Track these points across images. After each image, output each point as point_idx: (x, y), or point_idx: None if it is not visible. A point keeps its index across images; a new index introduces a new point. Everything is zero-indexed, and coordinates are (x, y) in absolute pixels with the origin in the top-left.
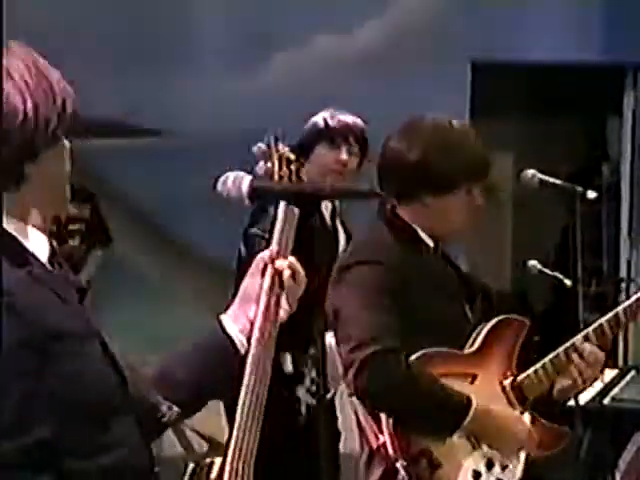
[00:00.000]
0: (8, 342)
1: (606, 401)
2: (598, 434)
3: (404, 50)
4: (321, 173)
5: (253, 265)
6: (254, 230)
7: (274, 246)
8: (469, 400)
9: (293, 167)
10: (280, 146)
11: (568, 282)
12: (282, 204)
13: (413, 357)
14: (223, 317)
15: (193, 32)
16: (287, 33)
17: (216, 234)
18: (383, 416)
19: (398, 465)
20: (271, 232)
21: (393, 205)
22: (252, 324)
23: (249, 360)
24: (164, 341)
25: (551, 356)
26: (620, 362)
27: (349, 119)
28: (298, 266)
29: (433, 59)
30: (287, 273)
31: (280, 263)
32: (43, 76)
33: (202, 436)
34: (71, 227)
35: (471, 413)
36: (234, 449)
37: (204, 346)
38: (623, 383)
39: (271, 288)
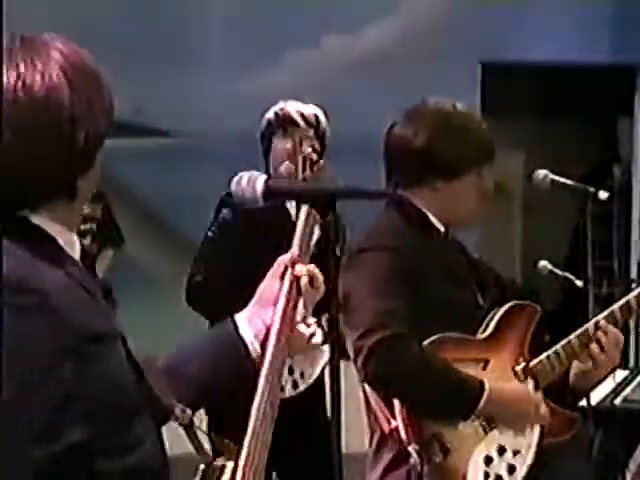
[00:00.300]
0: (45, 344)
1: (617, 402)
2: (609, 435)
3: (413, 50)
4: (280, 163)
5: (273, 268)
6: (209, 233)
7: (294, 250)
8: (482, 384)
9: (316, 168)
10: (304, 147)
11: (579, 283)
12: (304, 208)
13: (425, 342)
14: (238, 318)
15: (202, 32)
16: (296, 33)
17: None
18: (396, 400)
19: (410, 449)
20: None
21: (404, 192)
22: (267, 328)
23: (265, 364)
24: (171, 341)
25: (564, 342)
26: (631, 363)
27: (298, 106)
28: (317, 272)
29: (443, 59)
30: (305, 279)
31: (299, 268)
32: (98, 80)
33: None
34: (82, 227)
35: (485, 397)
36: (247, 454)
37: (216, 346)
38: (634, 384)
39: (289, 293)
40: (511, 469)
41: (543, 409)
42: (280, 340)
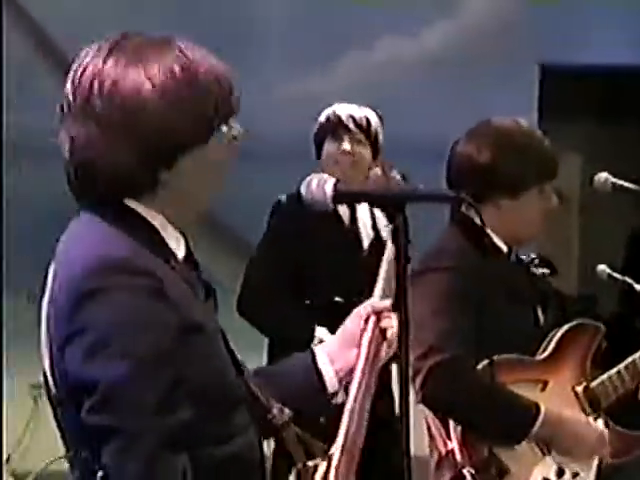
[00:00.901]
0: (164, 324)
1: None
2: None
3: (471, 52)
4: (331, 168)
5: (357, 310)
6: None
7: (378, 294)
8: (537, 407)
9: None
10: (394, 172)
11: (639, 287)
12: (388, 251)
13: (483, 364)
14: (318, 352)
15: (256, 34)
16: (353, 35)
17: None
18: (451, 422)
19: (465, 472)
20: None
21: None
22: (350, 370)
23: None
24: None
25: (627, 362)
26: None
27: (348, 109)
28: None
29: (501, 61)
30: (391, 330)
31: (386, 322)
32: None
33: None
34: None
35: (540, 420)
36: (340, 454)
37: (292, 374)
38: None
39: (373, 338)
40: None
41: (606, 442)
42: (362, 386)
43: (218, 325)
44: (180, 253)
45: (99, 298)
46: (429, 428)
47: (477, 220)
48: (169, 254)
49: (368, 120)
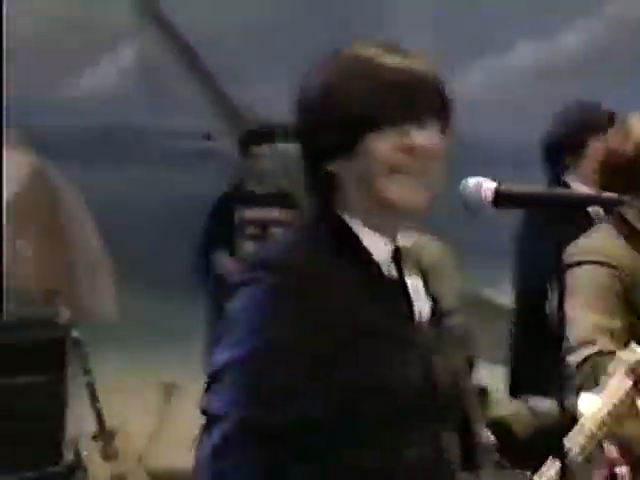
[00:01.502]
0: (287, 321)
1: None
2: None
3: (609, 57)
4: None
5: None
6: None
7: None
8: None
9: None
10: None
11: None
12: None
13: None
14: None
15: (389, 33)
16: (490, 37)
17: None
18: None
19: (618, 471)
20: None
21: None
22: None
23: None
24: None
25: None
26: None
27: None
28: None
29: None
30: None
31: None
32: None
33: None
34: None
35: None
36: None
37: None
38: None
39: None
40: None
41: None
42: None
43: (409, 333)
44: (380, 256)
45: (238, 291)
46: None
47: (634, 220)
48: (360, 258)
49: None
